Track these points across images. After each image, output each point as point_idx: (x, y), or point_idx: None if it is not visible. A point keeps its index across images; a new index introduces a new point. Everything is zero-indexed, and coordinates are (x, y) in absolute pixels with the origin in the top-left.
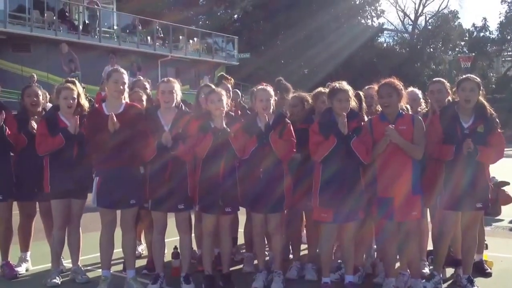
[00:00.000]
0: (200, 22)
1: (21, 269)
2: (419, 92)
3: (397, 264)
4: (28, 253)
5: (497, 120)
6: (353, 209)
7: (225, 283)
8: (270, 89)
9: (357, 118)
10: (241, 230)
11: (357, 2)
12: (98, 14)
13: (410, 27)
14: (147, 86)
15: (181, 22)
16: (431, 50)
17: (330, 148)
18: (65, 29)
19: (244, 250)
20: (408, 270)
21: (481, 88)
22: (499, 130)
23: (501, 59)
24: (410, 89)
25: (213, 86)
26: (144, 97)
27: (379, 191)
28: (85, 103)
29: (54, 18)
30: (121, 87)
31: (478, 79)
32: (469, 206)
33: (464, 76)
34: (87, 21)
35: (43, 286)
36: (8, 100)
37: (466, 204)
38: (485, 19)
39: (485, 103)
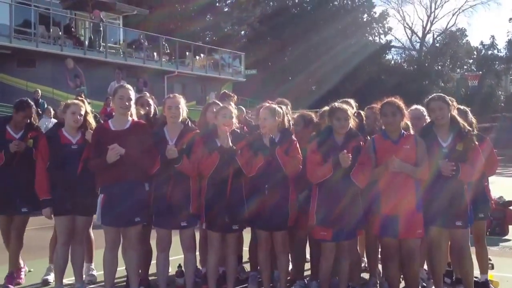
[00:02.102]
0: (207, 38)
1: (51, 278)
2: (423, 110)
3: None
4: None
5: (473, 137)
6: (351, 227)
7: None
8: (273, 107)
9: (356, 137)
10: (245, 248)
11: (365, 20)
12: (101, 29)
13: (418, 44)
14: (151, 102)
15: (188, 38)
16: (439, 67)
17: (326, 176)
18: (71, 44)
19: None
20: None
21: (451, 103)
22: (476, 146)
23: (509, 77)
24: (414, 106)
25: (221, 104)
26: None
27: (383, 209)
28: (91, 122)
29: (60, 33)
30: (127, 103)
31: (445, 97)
32: (449, 223)
33: (430, 97)
34: (92, 37)
35: None
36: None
37: (445, 221)
38: (493, 37)
39: (459, 119)
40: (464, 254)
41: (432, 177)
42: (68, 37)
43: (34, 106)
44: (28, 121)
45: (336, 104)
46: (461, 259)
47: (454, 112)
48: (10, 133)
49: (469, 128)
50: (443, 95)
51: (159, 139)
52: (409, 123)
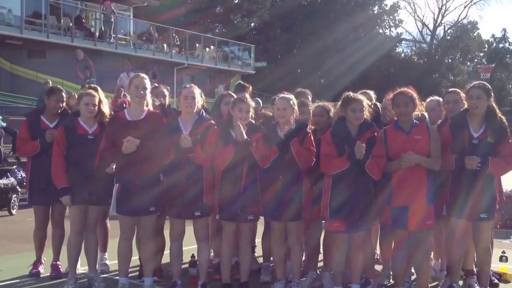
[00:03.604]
0: (217, 30)
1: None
2: (439, 100)
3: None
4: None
5: (507, 129)
6: (364, 219)
7: None
8: (290, 97)
9: (371, 128)
10: (258, 239)
11: (375, 12)
12: (112, 20)
13: (429, 37)
14: (166, 93)
15: (198, 30)
16: (450, 60)
17: (341, 169)
18: (81, 35)
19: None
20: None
21: (491, 94)
22: (510, 141)
23: None
24: (429, 98)
25: (235, 96)
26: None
27: (394, 201)
28: (106, 110)
29: (71, 24)
30: (142, 91)
31: (487, 86)
32: (474, 215)
33: (472, 84)
34: (103, 28)
35: None
36: (23, 106)
37: (471, 213)
38: (504, 30)
39: (496, 110)
40: (485, 246)
41: (458, 168)
42: (79, 28)
43: (65, 93)
44: (61, 106)
45: (351, 94)
46: (481, 251)
47: (492, 102)
48: (45, 122)
49: (505, 121)
50: (486, 84)
51: (173, 129)
52: (425, 114)
